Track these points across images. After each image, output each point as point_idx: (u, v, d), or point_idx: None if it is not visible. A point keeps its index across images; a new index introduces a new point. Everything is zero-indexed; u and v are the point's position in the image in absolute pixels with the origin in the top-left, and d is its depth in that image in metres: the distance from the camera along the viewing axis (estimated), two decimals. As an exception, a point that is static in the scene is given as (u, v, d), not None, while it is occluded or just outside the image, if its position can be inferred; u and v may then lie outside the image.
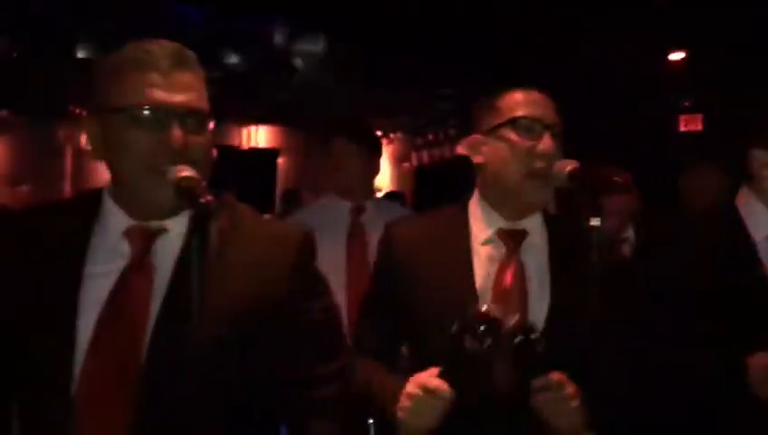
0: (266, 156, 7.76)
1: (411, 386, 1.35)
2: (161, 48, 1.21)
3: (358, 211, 2.84)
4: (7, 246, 1.25)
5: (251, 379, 1.22)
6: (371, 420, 1.48)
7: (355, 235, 2.82)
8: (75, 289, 1.19)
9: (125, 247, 1.23)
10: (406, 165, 8.06)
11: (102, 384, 1.16)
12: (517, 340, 1.28)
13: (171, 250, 1.23)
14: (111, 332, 1.18)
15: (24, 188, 6.57)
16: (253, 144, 7.77)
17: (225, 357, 1.17)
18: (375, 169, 2.95)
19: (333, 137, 2.94)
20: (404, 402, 1.35)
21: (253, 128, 7.72)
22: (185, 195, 1.13)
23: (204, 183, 1.15)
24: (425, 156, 7.94)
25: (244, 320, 1.20)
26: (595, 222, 1.30)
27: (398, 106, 6.94)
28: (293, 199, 5.96)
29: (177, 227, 1.24)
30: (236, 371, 1.19)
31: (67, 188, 6.72)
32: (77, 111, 6.30)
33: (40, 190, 6.57)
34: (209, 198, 1.10)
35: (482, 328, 1.26)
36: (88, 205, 1.26)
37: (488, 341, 1.26)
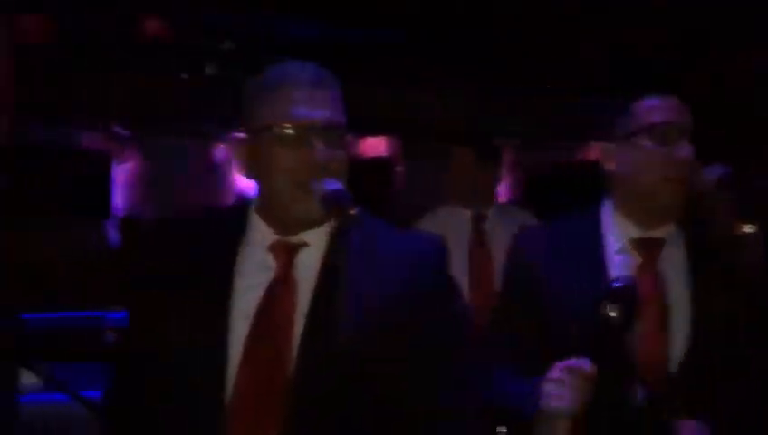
0: (382, 165, 7.85)
1: (554, 371, 1.34)
2: (301, 68, 1.28)
3: (480, 219, 2.84)
4: (165, 253, 1.31)
5: (392, 391, 1.24)
6: (504, 429, 1.47)
7: (477, 243, 2.82)
8: (226, 301, 1.24)
9: (270, 261, 1.28)
10: (519, 172, 7.98)
11: (253, 396, 1.20)
12: None
13: (311, 263, 1.27)
14: (261, 344, 1.22)
15: (157, 200, 6.98)
16: (370, 154, 7.90)
17: (368, 368, 1.20)
18: (496, 177, 2.95)
19: (453, 146, 2.96)
20: (546, 387, 1.33)
21: (369, 137, 7.86)
22: (333, 208, 1.18)
23: (350, 195, 1.20)
24: (539, 162, 7.82)
25: (383, 331, 1.22)
26: (750, 229, 1.25)
27: (514, 112, 6.88)
28: None
29: (316, 240, 1.28)
30: (379, 381, 1.22)
31: (195, 200, 7.08)
32: (206, 125, 6.69)
33: (171, 202, 6.96)
34: (356, 210, 1.14)
35: (620, 296, 1.27)
36: (236, 218, 1.32)
37: (628, 308, 1.26)
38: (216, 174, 7.13)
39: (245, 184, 7.08)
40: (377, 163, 7.89)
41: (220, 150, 7.09)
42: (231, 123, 6.84)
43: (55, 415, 2.75)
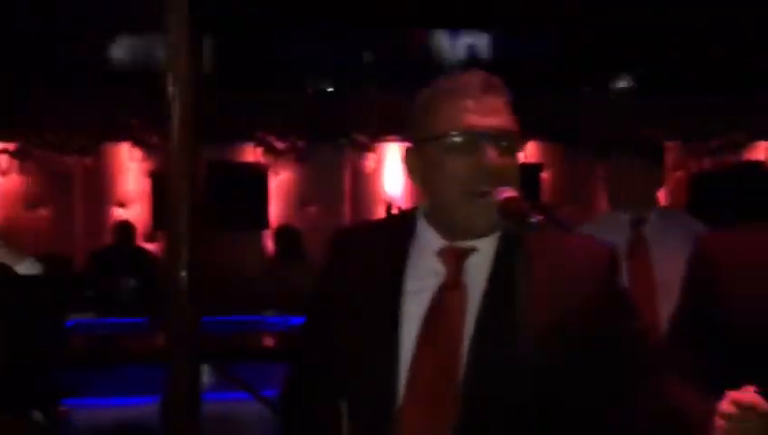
0: (529, 170, 7.78)
1: (725, 404, 1.25)
2: (472, 76, 1.29)
3: (638, 223, 2.75)
4: (338, 260, 1.38)
5: (563, 399, 1.23)
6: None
7: (636, 248, 2.73)
8: (397, 305, 1.28)
9: (438, 266, 1.30)
10: (679, 173, 7.61)
11: (424, 398, 1.23)
12: None
13: (481, 269, 1.28)
14: (431, 347, 1.25)
15: (312, 209, 7.28)
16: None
17: (539, 374, 1.19)
18: (658, 181, 2.84)
19: (613, 150, 2.88)
20: (718, 423, 1.25)
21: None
22: (511, 216, 1.19)
23: (527, 203, 1.20)
24: (704, 163, 7.41)
25: (557, 338, 1.21)
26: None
27: (677, 112, 6.59)
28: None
29: (486, 246, 1.29)
30: (550, 389, 1.21)
31: (347, 210, 7.31)
32: (357, 136, 6.90)
33: (324, 211, 7.23)
34: (536, 218, 1.15)
35: None
36: (404, 225, 1.36)
37: None
38: (367, 181, 7.34)
39: (394, 193, 7.24)
40: (522, 168, 7.82)
41: (370, 160, 7.28)
42: (380, 133, 7.05)
43: (232, 412, 2.95)
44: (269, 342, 4.72)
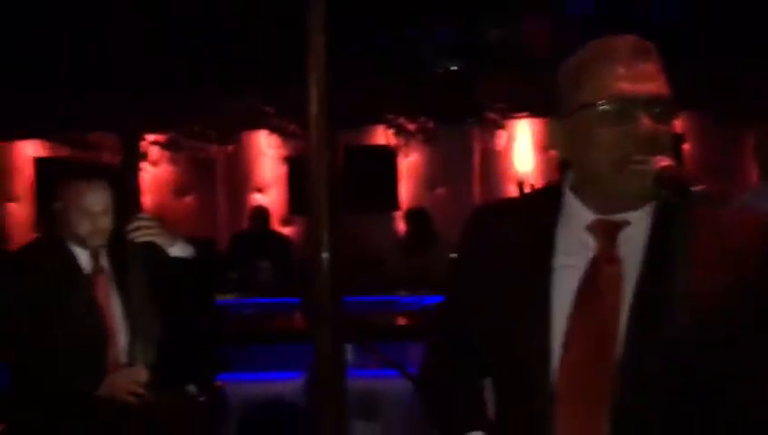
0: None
1: None
2: (623, 41, 1.23)
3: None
4: (480, 236, 1.37)
5: (721, 375, 1.18)
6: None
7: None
8: (546, 281, 1.25)
9: (588, 240, 1.26)
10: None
11: (581, 374, 1.20)
12: None
13: (635, 242, 1.23)
14: (586, 323, 1.21)
15: (441, 191, 7.28)
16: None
17: (699, 349, 1.15)
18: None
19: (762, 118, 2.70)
20: None
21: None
22: (669, 185, 1.13)
23: (688, 172, 1.14)
24: None
25: (717, 312, 1.16)
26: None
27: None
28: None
29: (639, 218, 1.24)
30: (709, 364, 1.16)
31: (476, 189, 7.26)
32: (488, 114, 6.81)
33: (453, 192, 7.22)
34: (702, 186, 1.09)
35: None
36: (549, 200, 1.32)
37: None
38: (497, 160, 7.24)
39: (526, 171, 7.12)
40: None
41: (501, 138, 7.18)
42: (511, 110, 6.92)
43: (374, 389, 3.03)
44: (402, 322, 4.78)
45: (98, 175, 2.52)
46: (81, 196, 2.44)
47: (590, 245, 1.26)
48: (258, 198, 7.37)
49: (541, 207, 1.33)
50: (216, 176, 7.51)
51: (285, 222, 7.34)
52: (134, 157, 2.62)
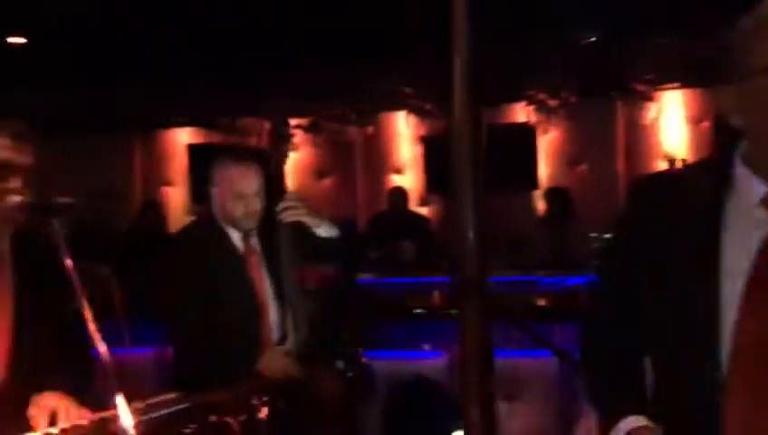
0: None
1: None
2: None
3: None
4: (641, 210, 1.31)
5: None
6: None
7: None
8: (716, 257, 1.19)
9: (761, 215, 1.19)
10: None
11: (753, 357, 1.15)
12: None
13: None
14: (762, 303, 1.16)
15: (582, 168, 7.05)
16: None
17: None
18: None
19: None
20: None
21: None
22: None
23: None
24: None
25: None
26: None
27: None
28: None
29: None
30: None
31: (620, 166, 6.97)
32: (635, 86, 6.48)
33: (595, 169, 6.97)
34: None
35: None
36: (716, 171, 1.25)
37: None
38: (642, 134, 6.91)
39: (676, 145, 6.75)
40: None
41: (649, 110, 6.82)
42: (661, 81, 6.55)
43: (519, 369, 3.00)
44: (543, 302, 4.69)
45: (250, 159, 2.62)
46: (234, 179, 2.55)
47: (760, 219, 1.19)
48: (396, 179, 7.45)
49: (706, 179, 1.26)
50: (355, 158, 7.67)
51: (422, 202, 7.39)
52: (282, 141, 2.70)
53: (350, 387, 2.56)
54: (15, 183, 1.75)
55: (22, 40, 5.99)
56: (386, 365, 3.13)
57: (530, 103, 6.97)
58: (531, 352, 2.96)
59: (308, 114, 7.28)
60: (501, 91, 6.44)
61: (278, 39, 5.78)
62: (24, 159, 1.78)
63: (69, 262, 1.64)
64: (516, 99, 6.98)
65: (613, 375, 1.35)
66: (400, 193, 6.85)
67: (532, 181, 7.09)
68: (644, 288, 1.26)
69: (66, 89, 6.86)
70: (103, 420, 1.65)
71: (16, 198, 1.74)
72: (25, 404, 1.72)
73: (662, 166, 6.58)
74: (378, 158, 7.61)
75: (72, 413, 1.72)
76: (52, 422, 1.70)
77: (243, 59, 6.18)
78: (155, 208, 7.09)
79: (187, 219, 7.40)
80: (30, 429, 1.69)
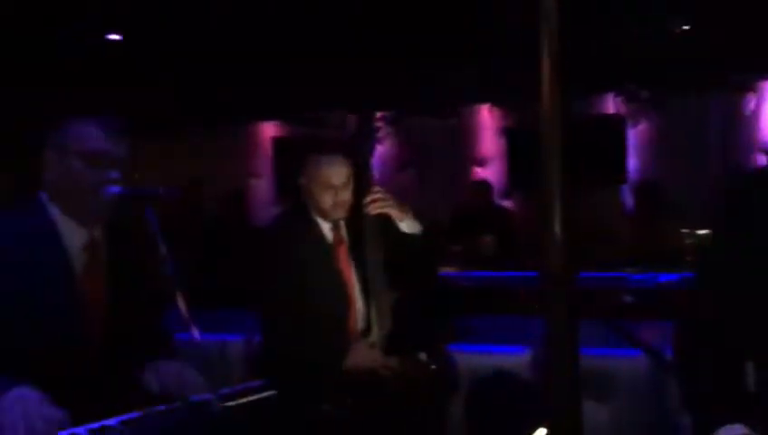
0: None
1: None
2: None
3: None
4: (740, 207, 1.26)
5: None
6: None
7: None
8: None
9: None
10: None
11: None
12: None
13: None
14: None
15: (673, 161, 6.77)
16: None
17: None
18: None
19: None
20: None
21: None
22: None
23: None
24: None
25: None
26: None
27: None
28: None
29: None
30: None
31: (714, 159, 6.67)
32: (733, 76, 6.18)
33: (687, 163, 6.68)
34: None
35: None
36: None
37: None
38: (741, 127, 6.59)
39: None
40: None
41: (749, 100, 6.50)
42: (760, 71, 6.24)
43: (606, 367, 2.93)
44: (633, 299, 4.56)
45: (338, 151, 2.66)
46: (323, 170, 2.59)
47: None
48: (479, 172, 7.38)
49: None
50: (437, 150, 7.64)
51: (505, 195, 7.29)
52: (368, 134, 2.72)
53: (433, 379, 2.56)
54: (112, 173, 1.83)
55: (118, 37, 6.23)
56: (467, 359, 3.11)
57: (619, 94, 6.76)
58: (620, 351, 2.89)
59: (391, 107, 7.30)
60: (589, 81, 6.26)
61: (362, 32, 5.81)
62: (119, 150, 1.87)
63: (163, 249, 1.70)
64: (605, 89, 6.78)
65: (715, 378, 1.30)
66: (483, 186, 6.78)
67: (622, 175, 6.89)
68: (751, 287, 1.21)
69: (160, 85, 7.12)
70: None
71: (114, 188, 1.82)
72: (123, 377, 1.81)
73: (760, 159, 6.26)
74: (460, 150, 7.56)
75: (191, 380, 1.79)
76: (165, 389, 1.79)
77: (327, 53, 6.25)
78: (237, 199, 7.26)
79: (273, 211, 7.60)
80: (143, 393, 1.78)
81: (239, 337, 3.51)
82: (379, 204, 2.54)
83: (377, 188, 2.59)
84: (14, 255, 1.79)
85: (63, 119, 1.93)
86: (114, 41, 6.28)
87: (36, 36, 5.82)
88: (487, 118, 7.43)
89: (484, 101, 7.30)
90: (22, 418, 1.56)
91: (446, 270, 5.24)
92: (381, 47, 6.11)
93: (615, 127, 6.86)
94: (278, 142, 8.30)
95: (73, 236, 1.87)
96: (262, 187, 8.47)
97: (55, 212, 1.87)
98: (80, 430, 1.62)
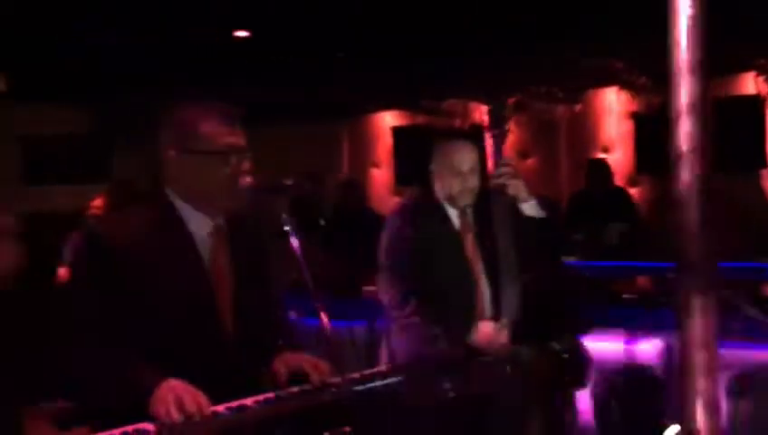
0: None
1: None
2: None
3: None
4: None
5: None
6: None
7: None
8: None
9: None
10: None
11: None
12: None
13: None
14: None
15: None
16: None
17: None
18: None
19: None
20: None
21: None
22: None
23: None
24: None
25: None
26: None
27: None
28: None
29: None
30: None
31: None
32: None
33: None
34: None
35: None
36: None
37: None
38: None
39: None
40: None
41: None
42: None
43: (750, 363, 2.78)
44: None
45: (466, 137, 2.68)
46: (452, 156, 2.63)
47: None
48: (603, 158, 7.13)
49: None
50: (560, 136, 7.45)
51: (631, 182, 7.01)
52: (499, 120, 2.70)
53: (565, 368, 2.53)
54: (245, 165, 1.89)
55: (245, 33, 6.47)
56: (594, 350, 3.03)
57: (760, 74, 6.31)
58: (761, 345, 2.73)
59: (514, 93, 7.17)
60: (727, 60, 5.90)
61: (482, 18, 5.74)
62: (242, 141, 1.90)
63: (294, 239, 1.75)
64: (744, 69, 6.35)
65: None
66: (600, 166, 6.46)
67: (762, 159, 6.45)
68: None
69: (282, 79, 7.34)
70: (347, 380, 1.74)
71: (248, 179, 1.89)
72: (252, 361, 1.88)
73: None
74: (584, 136, 7.33)
75: (321, 370, 1.84)
76: (293, 379, 1.85)
77: (445, 40, 6.22)
78: (354, 188, 7.37)
79: (392, 200, 7.67)
80: (273, 381, 1.85)
81: (363, 323, 3.58)
82: (506, 177, 2.54)
83: (507, 161, 2.59)
84: (147, 247, 1.84)
85: (181, 112, 1.92)
86: (241, 37, 6.53)
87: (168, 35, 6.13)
88: (614, 101, 7.15)
89: (611, 84, 7.03)
90: (175, 405, 1.65)
91: (568, 259, 5.11)
92: (503, 31, 6.02)
93: (755, 108, 6.42)
94: (398, 132, 8.36)
95: (199, 223, 1.91)
96: (382, 176, 8.56)
97: (181, 205, 1.91)
98: (218, 408, 1.70)
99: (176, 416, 1.64)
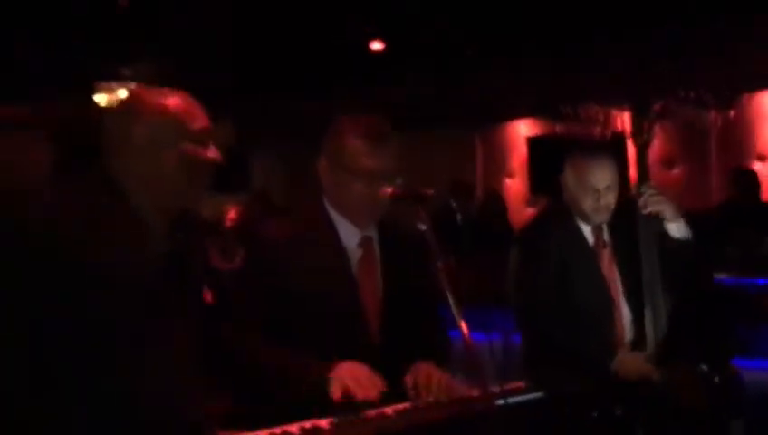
0: None
1: None
2: None
3: None
4: None
5: None
6: None
7: None
8: None
9: None
10: None
11: None
12: None
13: None
14: None
15: None
16: None
17: None
18: None
19: None
20: None
21: None
22: None
23: None
24: None
25: None
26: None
27: None
28: None
29: None
30: None
31: None
32: None
33: None
34: None
35: None
36: None
37: None
38: None
39: None
40: None
41: None
42: None
43: None
44: None
45: (603, 151, 2.54)
46: (585, 172, 2.48)
47: None
48: (759, 168, 6.63)
49: None
50: (709, 144, 7.01)
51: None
52: (644, 129, 2.56)
53: (715, 395, 2.34)
54: (387, 190, 1.89)
55: (381, 46, 6.59)
56: (752, 375, 2.81)
57: None
58: None
59: (659, 99, 6.84)
60: None
61: (622, 21, 5.53)
62: (387, 162, 1.91)
63: (436, 248, 1.73)
64: None
65: None
66: (747, 175, 6.00)
67: None
68: None
69: (418, 86, 7.39)
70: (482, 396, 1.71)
71: (388, 190, 1.89)
72: (394, 368, 1.88)
73: None
74: (737, 144, 6.85)
75: (446, 384, 1.82)
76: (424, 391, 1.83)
77: (584, 46, 6.05)
78: (497, 199, 7.27)
79: (526, 210, 7.50)
80: (403, 394, 1.84)
81: (499, 336, 3.51)
82: (655, 199, 2.39)
83: (650, 184, 2.43)
84: (299, 254, 1.92)
85: (336, 123, 1.98)
86: (376, 50, 6.65)
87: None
88: (770, 107, 6.65)
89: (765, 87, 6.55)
90: (353, 379, 1.72)
91: (720, 276, 4.78)
92: (644, 33, 5.77)
93: None
94: (533, 142, 8.18)
95: (348, 234, 1.97)
96: (515, 186, 8.42)
97: (334, 214, 1.99)
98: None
99: (363, 393, 1.68)
